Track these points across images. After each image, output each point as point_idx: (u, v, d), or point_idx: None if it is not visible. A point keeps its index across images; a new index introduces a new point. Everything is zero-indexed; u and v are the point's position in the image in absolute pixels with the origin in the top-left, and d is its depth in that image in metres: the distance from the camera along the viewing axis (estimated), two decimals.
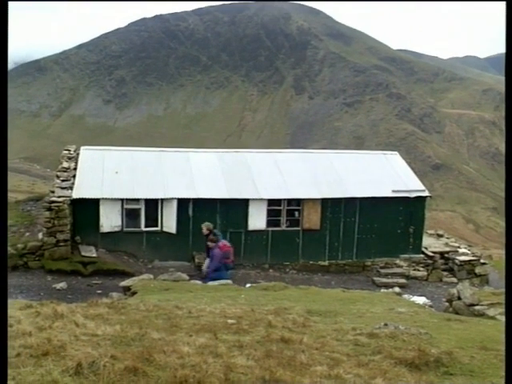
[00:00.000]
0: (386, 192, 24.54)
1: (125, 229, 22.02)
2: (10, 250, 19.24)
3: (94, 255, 20.65)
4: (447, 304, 13.62)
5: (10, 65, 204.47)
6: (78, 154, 24.45)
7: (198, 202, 22.50)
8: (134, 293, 13.16)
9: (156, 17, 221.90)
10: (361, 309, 10.93)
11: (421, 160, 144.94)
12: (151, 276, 16.18)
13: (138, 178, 22.95)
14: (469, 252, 25.71)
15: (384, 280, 22.51)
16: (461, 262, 24.25)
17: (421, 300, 16.53)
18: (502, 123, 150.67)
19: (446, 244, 26.61)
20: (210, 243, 16.88)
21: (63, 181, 22.14)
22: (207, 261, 17.18)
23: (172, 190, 22.50)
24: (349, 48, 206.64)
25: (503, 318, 9.48)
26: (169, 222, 22.15)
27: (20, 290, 17.12)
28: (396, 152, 29.10)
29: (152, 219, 22.26)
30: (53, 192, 21.18)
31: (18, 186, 70.39)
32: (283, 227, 23.74)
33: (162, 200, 22.19)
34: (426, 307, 13.54)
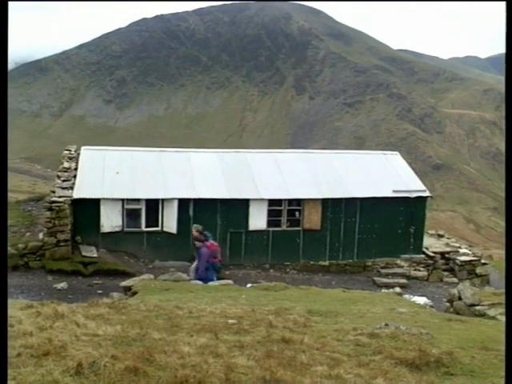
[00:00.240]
0: (386, 192, 24.54)
1: (125, 229, 22.03)
2: (10, 250, 19.24)
3: (95, 255, 20.66)
4: (448, 304, 13.62)
5: (11, 65, 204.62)
6: (78, 154, 24.45)
7: (199, 202, 22.50)
8: (135, 293, 13.16)
9: (157, 17, 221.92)
10: (361, 309, 10.93)
11: (421, 160, 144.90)
12: (152, 276, 16.18)
13: (138, 178, 22.95)
14: (469, 252, 25.71)
15: (385, 280, 22.50)
16: (461, 262, 24.25)
17: (421, 300, 16.52)
18: (502, 123, 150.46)
19: (447, 244, 26.60)
20: (197, 243, 16.89)
21: (64, 181, 22.15)
22: (194, 264, 17.19)
23: (172, 190, 22.51)
24: (349, 48, 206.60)
25: (504, 318, 9.48)
26: (169, 222, 22.16)
27: (21, 290, 17.12)
28: (397, 152, 29.10)
29: (152, 219, 22.26)
30: (53, 192, 21.19)
31: (19, 186, 70.38)
32: (284, 227, 23.73)
33: (163, 200, 22.19)
34: (426, 307, 13.54)
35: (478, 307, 12.05)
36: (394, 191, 24.63)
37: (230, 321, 8.45)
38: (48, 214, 19.95)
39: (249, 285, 16.98)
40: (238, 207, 22.97)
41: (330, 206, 23.99)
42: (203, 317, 8.80)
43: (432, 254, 24.69)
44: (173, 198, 22.22)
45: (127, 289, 14.33)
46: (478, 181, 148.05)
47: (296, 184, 24.14)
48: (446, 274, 24.34)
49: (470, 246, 32.76)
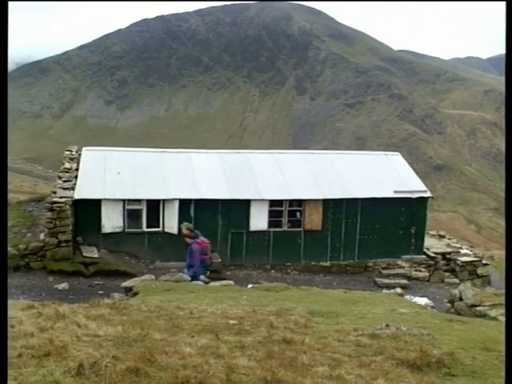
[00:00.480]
0: (387, 193, 24.53)
1: (126, 229, 22.03)
2: (12, 250, 19.25)
3: (96, 256, 20.66)
4: (449, 305, 13.62)
5: (12, 66, 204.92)
6: (79, 155, 24.46)
7: (200, 203, 22.50)
8: (136, 293, 13.18)
9: (157, 17, 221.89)
10: (362, 310, 10.93)
11: (422, 161, 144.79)
12: (153, 277, 16.20)
13: (139, 178, 22.96)
14: (470, 253, 25.70)
15: (386, 281, 22.50)
16: (463, 262, 24.23)
17: (422, 301, 16.52)
18: (503, 124, 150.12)
19: (448, 245, 26.58)
20: (187, 239, 16.88)
21: (65, 181, 22.16)
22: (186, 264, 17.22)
23: (174, 191, 22.51)
24: (350, 49, 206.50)
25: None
26: (170, 222, 22.15)
27: (22, 291, 17.13)
28: (398, 153, 29.08)
29: (154, 220, 22.26)
30: (55, 193, 21.19)
31: (20, 187, 70.41)
32: (285, 228, 23.73)
33: (164, 201, 22.19)
34: (427, 308, 13.54)
35: (479, 308, 12.05)
36: (395, 192, 24.62)
37: (231, 321, 8.46)
38: (49, 214, 19.96)
39: (250, 285, 17.00)
40: (239, 208, 22.97)
41: (331, 206, 23.98)
42: (204, 317, 8.80)
43: (433, 255, 24.67)
44: (174, 199, 22.22)
45: (128, 289, 14.34)
46: (479, 181, 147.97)
47: (297, 184, 24.14)
48: (447, 274, 24.32)
49: (471, 247, 32.73)
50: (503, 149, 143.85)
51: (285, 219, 23.69)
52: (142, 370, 5.20)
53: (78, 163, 23.62)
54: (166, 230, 22.26)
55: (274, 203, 23.41)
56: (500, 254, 44.53)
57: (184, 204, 22.33)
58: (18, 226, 22.22)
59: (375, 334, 7.69)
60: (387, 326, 8.14)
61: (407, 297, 17.30)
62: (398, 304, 12.50)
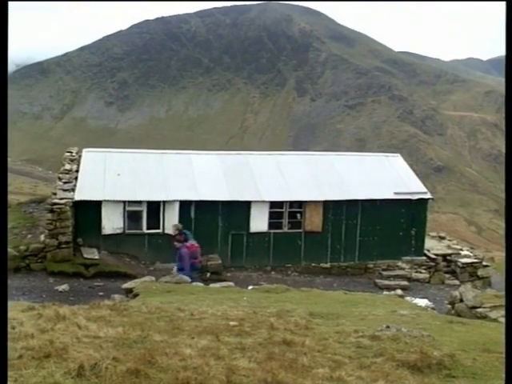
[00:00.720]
0: (387, 194, 24.53)
1: (127, 231, 22.03)
2: (12, 251, 19.25)
3: (96, 257, 20.66)
4: (449, 306, 13.61)
5: (12, 67, 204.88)
6: (80, 156, 24.47)
7: (200, 204, 22.50)
8: (136, 295, 13.17)
9: (158, 19, 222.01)
10: (363, 311, 10.93)
11: (423, 162, 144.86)
12: (153, 278, 16.20)
13: (139, 180, 22.96)
14: (471, 254, 25.69)
15: (386, 282, 22.48)
16: (463, 264, 24.22)
17: (423, 302, 16.51)
18: (503, 125, 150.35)
19: (448, 246, 26.58)
20: (176, 243, 16.80)
21: (65, 183, 22.16)
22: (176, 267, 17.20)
23: (174, 192, 22.51)
24: (351, 50, 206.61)
25: None
26: (171, 224, 22.10)
27: (22, 292, 17.13)
28: (398, 154, 29.08)
29: (154, 221, 22.26)
30: (55, 194, 21.20)
31: (20, 188, 70.33)
32: (285, 229, 23.72)
33: (164, 202, 22.19)
34: (428, 309, 13.54)
35: (479, 309, 12.04)
36: (396, 193, 24.62)
37: (232, 323, 8.45)
38: (49, 215, 19.96)
39: (250, 287, 16.99)
40: (240, 209, 22.97)
41: (332, 207, 23.98)
42: (205, 319, 8.80)
43: (433, 256, 24.67)
44: (174, 200, 22.22)
45: (129, 291, 14.34)
46: (480, 183, 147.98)
47: (297, 186, 24.14)
48: (447, 276, 24.31)
49: (472, 248, 32.70)
50: (504, 150, 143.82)
51: (285, 221, 23.68)
52: (142, 372, 5.19)
53: (79, 165, 23.62)
54: (167, 231, 22.20)
55: (274, 205, 23.40)
56: (500, 255, 44.48)
57: (184, 205, 22.33)
58: (19, 228, 22.22)
59: (376, 335, 7.69)
60: (388, 327, 8.14)
61: (408, 298, 17.29)
62: (399, 305, 12.50)
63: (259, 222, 23.23)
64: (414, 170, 28.43)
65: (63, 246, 20.03)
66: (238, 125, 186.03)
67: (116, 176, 22.88)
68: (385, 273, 23.72)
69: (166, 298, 12.20)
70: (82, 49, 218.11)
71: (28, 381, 4.80)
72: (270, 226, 23.47)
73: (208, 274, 21.23)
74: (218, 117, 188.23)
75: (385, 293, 18.76)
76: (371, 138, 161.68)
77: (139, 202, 22.07)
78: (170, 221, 22.04)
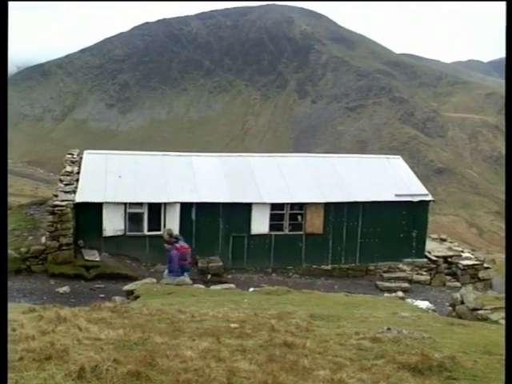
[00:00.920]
0: (388, 196, 24.52)
1: (128, 233, 22.03)
2: (13, 253, 19.27)
3: (97, 259, 20.67)
4: (450, 308, 13.60)
5: (13, 69, 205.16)
6: (81, 158, 24.48)
7: (201, 206, 22.51)
8: (137, 297, 13.18)
9: (159, 21, 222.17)
10: (364, 313, 10.93)
11: (424, 164, 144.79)
12: (154, 280, 16.22)
13: (141, 182, 22.97)
14: (472, 256, 25.67)
15: (387, 284, 22.48)
16: (464, 266, 24.20)
17: (424, 304, 16.52)
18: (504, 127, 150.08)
19: (449, 248, 26.55)
20: (166, 245, 16.81)
21: (66, 185, 22.18)
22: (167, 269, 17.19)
23: (175, 194, 22.51)
24: (352, 52, 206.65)
25: None
26: (172, 225, 22.08)
27: (23, 294, 17.14)
28: (399, 156, 29.10)
29: (155, 223, 22.25)
30: (56, 196, 21.22)
31: (22, 190, 70.43)
32: (286, 231, 23.72)
33: (165, 204, 22.19)
34: (429, 311, 13.54)
35: (480, 311, 12.04)
36: (397, 195, 24.62)
37: (233, 325, 8.45)
38: (50, 217, 19.98)
39: (251, 289, 16.99)
40: (241, 211, 22.97)
41: (333, 210, 23.98)
42: (205, 321, 8.80)
43: (434, 258, 24.65)
44: (175, 202, 22.22)
45: (129, 293, 14.35)
46: (481, 185, 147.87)
47: (298, 188, 24.14)
48: (448, 278, 24.29)
49: (473, 250, 32.73)
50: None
51: (286, 223, 23.68)
52: (143, 374, 5.19)
53: (80, 166, 23.64)
54: None
55: (275, 207, 23.41)
56: (501, 257, 44.44)
57: (185, 207, 22.33)
58: (20, 230, 22.23)
59: (376, 337, 7.68)
60: (389, 329, 8.13)
61: (409, 300, 17.29)
62: (400, 307, 12.49)
63: (260, 224, 23.23)
64: (415, 172, 28.43)
65: (64, 247, 20.04)
66: (239, 127, 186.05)
67: (117, 178, 22.89)
68: (386, 275, 23.71)
69: (166, 299, 12.20)
70: (83, 51, 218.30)
71: (29, 383, 4.80)
72: (271, 227, 23.47)
73: (209, 276, 21.25)
74: (219, 119, 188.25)
75: (386, 295, 18.77)
76: (372, 140, 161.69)
77: (140, 204, 22.07)
78: (171, 223, 22.05)
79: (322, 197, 23.95)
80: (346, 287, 21.62)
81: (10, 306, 8.06)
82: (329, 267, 23.96)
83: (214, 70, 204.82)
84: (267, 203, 23.23)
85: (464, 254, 25.56)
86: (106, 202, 21.61)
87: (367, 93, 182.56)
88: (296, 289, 16.24)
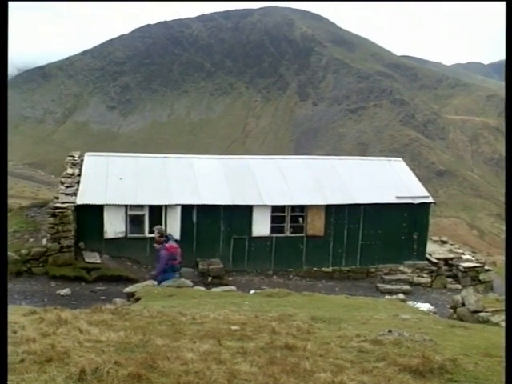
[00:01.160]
0: (389, 198, 24.51)
1: (129, 235, 22.02)
2: (14, 255, 19.27)
3: (98, 261, 20.67)
4: (451, 311, 13.59)
5: (14, 71, 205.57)
6: (82, 160, 24.49)
7: (202, 208, 22.50)
8: (138, 299, 13.17)
9: (160, 23, 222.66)
10: (365, 315, 10.91)
11: (425, 166, 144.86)
12: (155, 282, 16.18)
13: (142, 184, 22.96)
14: (473, 258, 25.65)
15: (388, 286, 22.46)
16: (465, 268, 24.19)
17: (425, 306, 16.50)
18: None
19: (450, 250, 26.53)
20: (156, 245, 16.79)
21: (67, 187, 22.18)
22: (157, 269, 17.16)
23: (176, 197, 22.51)
24: (352, 54, 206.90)
25: None
26: (173, 228, 22.11)
27: (24, 296, 17.13)
28: (400, 158, 29.09)
29: (156, 225, 22.21)
30: (57, 198, 21.22)
31: (22, 192, 70.51)
32: (287, 233, 23.71)
33: (166, 206, 22.19)
34: (430, 314, 13.52)
35: (481, 314, 12.03)
36: (398, 197, 24.61)
37: (233, 327, 8.44)
38: (51, 219, 19.98)
39: (252, 291, 16.97)
40: (242, 213, 22.96)
41: (334, 212, 23.97)
42: (206, 323, 8.79)
43: (435, 261, 24.63)
44: (176, 204, 22.22)
45: (130, 295, 14.34)
46: (482, 187, 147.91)
47: (299, 190, 24.12)
48: (449, 280, 24.28)
49: (474, 253, 32.71)
50: None
51: (287, 225, 23.68)
52: (143, 376, 5.18)
53: (81, 169, 23.64)
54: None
55: (276, 209, 23.40)
56: (502, 259, 44.42)
57: (186, 209, 22.33)
58: (21, 232, 22.23)
59: (377, 339, 7.67)
60: (389, 331, 8.12)
61: (409, 302, 17.27)
62: (401, 310, 12.48)
63: (261, 226, 23.22)
64: (416, 174, 28.40)
65: (65, 249, 20.04)
66: (240, 129, 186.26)
67: (118, 180, 22.89)
68: (387, 277, 23.70)
69: (167, 302, 12.19)
70: (84, 53, 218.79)
71: None
72: (272, 230, 23.46)
73: (210, 278, 21.23)
74: (220, 121, 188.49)
75: (387, 297, 18.75)
76: (373, 142, 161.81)
77: (141, 206, 22.07)
78: (173, 225, 22.05)
79: (323, 199, 23.94)
80: (346, 289, 21.59)
81: (11, 308, 8.06)
82: (330, 269, 23.95)
83: (215, 72, 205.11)
84: (268, 205, 23.22)
85: (465, 256, 25.54)
86: (106, 204, 21.61)
87: (368, 95, 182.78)
88: (297, 291, 16.21)
